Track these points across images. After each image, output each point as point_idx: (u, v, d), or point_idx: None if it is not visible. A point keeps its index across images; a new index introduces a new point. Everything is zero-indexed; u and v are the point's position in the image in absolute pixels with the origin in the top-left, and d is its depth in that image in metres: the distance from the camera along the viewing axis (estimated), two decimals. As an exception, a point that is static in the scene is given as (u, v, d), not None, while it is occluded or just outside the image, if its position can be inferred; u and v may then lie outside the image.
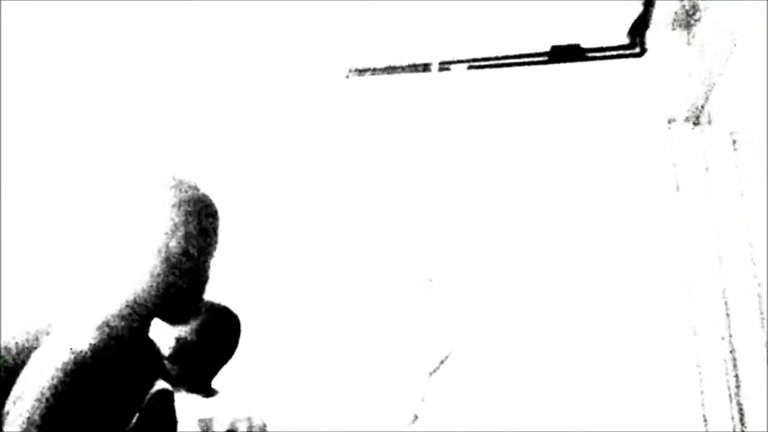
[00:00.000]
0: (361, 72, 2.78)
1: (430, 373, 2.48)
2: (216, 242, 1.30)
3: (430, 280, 2.55)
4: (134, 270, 1.19)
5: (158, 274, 1.20)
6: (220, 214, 1.31)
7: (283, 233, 2.69)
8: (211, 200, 1.29)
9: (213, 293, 2.65)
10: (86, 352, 1.03)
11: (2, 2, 2.42)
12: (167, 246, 1.20)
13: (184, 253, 1.22)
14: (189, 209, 1.24)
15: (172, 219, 1.21)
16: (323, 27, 2.61)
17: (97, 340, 1.06)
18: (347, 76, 2.78)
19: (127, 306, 1.17)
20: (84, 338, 1.05)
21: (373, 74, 2.78)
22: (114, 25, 2.57)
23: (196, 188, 1.28)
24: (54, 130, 2.76)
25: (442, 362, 2.48)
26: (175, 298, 1.23)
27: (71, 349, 1.03)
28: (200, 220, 1.25)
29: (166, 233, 1.20)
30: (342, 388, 2.52)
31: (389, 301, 2.57)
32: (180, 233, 1.22)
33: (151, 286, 1.19)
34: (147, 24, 2.57)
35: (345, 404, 2.50)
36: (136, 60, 2.75)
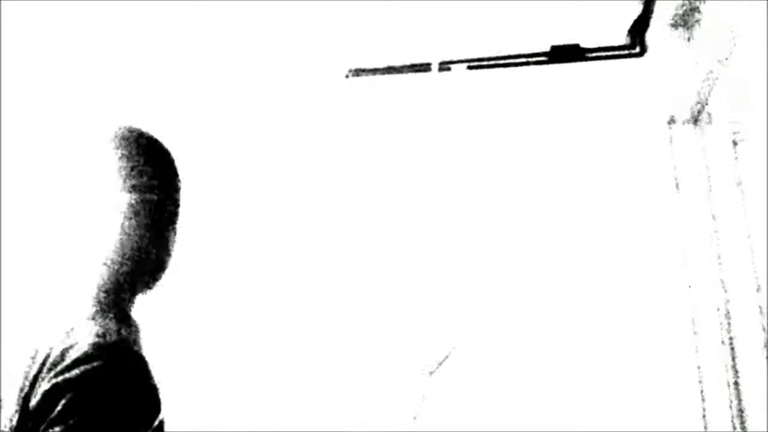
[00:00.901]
0: (361, 72, 2.78)
1: (430, 373, 2.48)
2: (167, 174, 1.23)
3: (431, 280, 2.55)
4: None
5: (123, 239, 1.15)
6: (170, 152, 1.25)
7: (283, 233, 2.69)
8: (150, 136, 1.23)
9: (214, 294, 2.65)
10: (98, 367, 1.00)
11: (2, 2, 2.42)
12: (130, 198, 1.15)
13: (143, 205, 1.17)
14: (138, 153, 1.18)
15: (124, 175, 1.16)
16: (323, 27, 2.61)
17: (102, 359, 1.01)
18: (347, 76, 2.78)
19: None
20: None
21: (372, 74, 2.78)
22: (114, 25, 2.57)
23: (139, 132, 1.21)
24: (54, 130, 2.75)
25: (442, 362, 2.47)
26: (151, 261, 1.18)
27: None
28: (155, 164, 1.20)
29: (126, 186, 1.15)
30: (342, 388, 2.52)
31: (389, 301, 2.57)
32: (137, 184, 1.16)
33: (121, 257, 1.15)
34: (147, 24, 2.57)
35: (345, 404, 2.50)
36: (135, 60, 2.75)
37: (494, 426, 2.40)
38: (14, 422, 1.01)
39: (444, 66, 2.74)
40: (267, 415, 2.52)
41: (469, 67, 2.73)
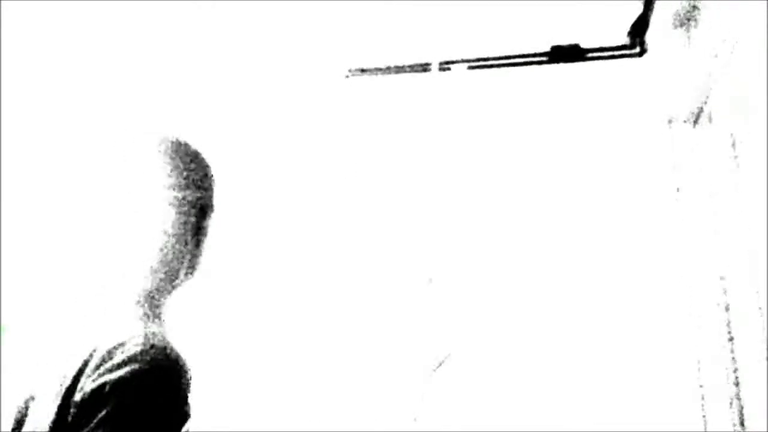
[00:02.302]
0: (361, 72, 2.78)
1: (430, 374, 2.48)
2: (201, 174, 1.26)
3: (430, 280, 2.55)
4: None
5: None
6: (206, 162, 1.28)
7: (283, 233, 2.69)
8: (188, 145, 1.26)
9: (214, 295, 2.65)
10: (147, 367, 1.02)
11: (2, 2, 2.42)
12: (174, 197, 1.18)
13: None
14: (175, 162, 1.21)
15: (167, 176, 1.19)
16: (323, 27, 2.61)
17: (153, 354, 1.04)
18: (347, 76, 2.78)
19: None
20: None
21: (373, 74, 2.78)
22: (114, 25, 2.57)
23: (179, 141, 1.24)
24: (54, 130, 2.76)
25: (442, 362, 2.47)
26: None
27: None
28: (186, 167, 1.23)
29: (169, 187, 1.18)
30: (342, 388, 2.52)
31: (389, 301, 2.57)
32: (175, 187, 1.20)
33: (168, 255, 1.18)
34: (147, 24, 2.57)
35: (345, 404, 2.50)
36: (135, 61, 2.75)
37: (494, 426, 2.40)
38: (52, 416, 1.01)
39: (444, 66, 2.74)
40: (268, 415, 2.52)
41: (469, 67, 2.73)
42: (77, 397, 1.01)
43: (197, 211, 1.24)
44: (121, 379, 1.00)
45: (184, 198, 1.21)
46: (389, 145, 2.72)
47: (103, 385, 1.00)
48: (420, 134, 2.71)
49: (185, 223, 1.21)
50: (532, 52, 2.70)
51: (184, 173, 1.22)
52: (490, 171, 2.64)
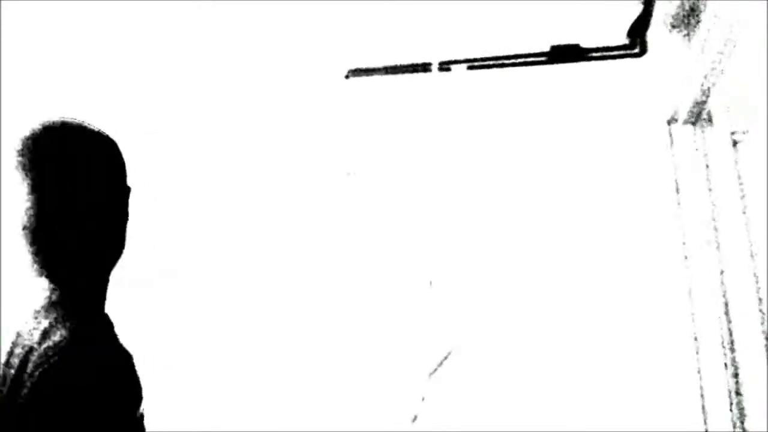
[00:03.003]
0: (361, 72, 2.78)
1: (430, 373, 2.48)
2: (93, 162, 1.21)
3: (431, 283, 2.55)
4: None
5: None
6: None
7: (283, 234, 2.69)
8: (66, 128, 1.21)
9: (214, 296, 2.65)
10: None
11: (2, 2, 2.42)
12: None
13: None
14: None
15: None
16: (323, 27, 2.61)
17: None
18: (347, 77, 2.78)
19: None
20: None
21: (373, 74, 2.78)
22: (114, 25, 2.57)
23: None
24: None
25: (442, 362, 2.48)
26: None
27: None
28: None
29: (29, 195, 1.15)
30: (342, 388, 2.52)
31: (389, 301, 2.57)
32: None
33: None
34: (147, 24, 2.57)
35: (344, 405, 2.50)
36: (135, 61, 2.75)
37: (494, 426, 2.40)
38: None
39: (444, 66, 2.74)
40: (268, 416, 2.52)
41: (469, 67, 2.73)
42: (18, 403, 1.00)
43: (119, 197, 1.22)
44: (61, 384, 0.99)
45: (105, 186, 1.19)
46: (389, 145, 2.72)
47: (44, 390, 0.99)
48: (420, 134, 2.71)
49: (111, 210, 1.20)
50: (531, 52, 2.70)
51: (103, 160, 1.20)
52: (490, 171, 2.64)
